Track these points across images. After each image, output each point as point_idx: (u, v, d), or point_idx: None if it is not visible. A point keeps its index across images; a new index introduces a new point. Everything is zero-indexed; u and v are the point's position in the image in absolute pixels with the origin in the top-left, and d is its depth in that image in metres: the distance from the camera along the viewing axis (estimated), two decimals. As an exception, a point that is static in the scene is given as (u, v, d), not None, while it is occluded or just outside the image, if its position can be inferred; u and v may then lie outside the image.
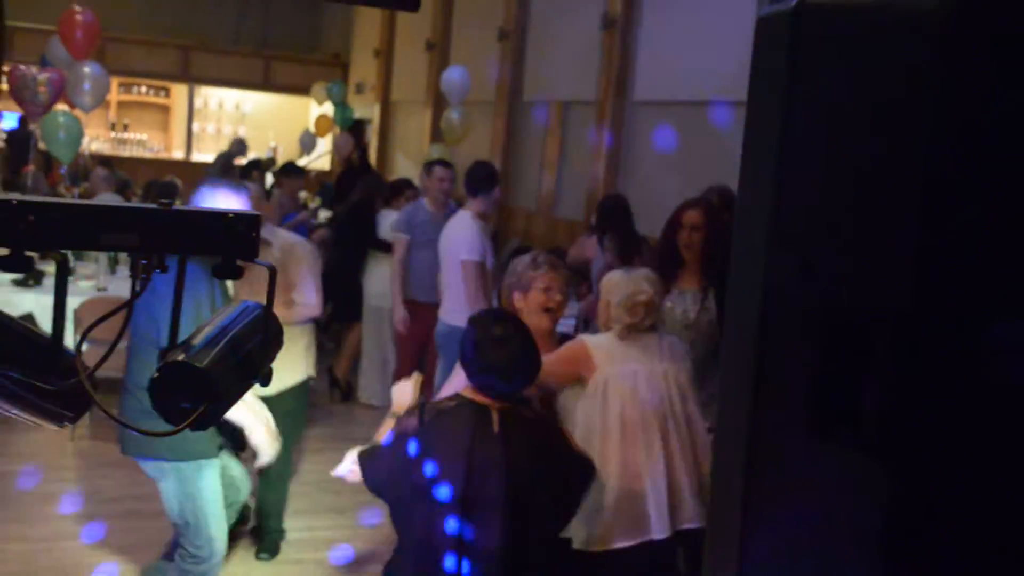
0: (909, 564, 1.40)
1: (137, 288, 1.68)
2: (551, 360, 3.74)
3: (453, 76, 10.55)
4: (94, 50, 9.75)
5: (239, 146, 14.57)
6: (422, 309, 6.96)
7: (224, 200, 3.95)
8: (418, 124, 13.86)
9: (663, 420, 3.60)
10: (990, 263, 1.36)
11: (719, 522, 1.69)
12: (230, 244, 1.66)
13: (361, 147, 13.58)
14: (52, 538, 5.29)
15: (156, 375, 1.66)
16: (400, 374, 6.46)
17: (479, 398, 3.14)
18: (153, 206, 1.64)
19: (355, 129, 14.65)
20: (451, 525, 3.01)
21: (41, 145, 10.35)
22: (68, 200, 1.62)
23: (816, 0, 1.48)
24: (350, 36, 17.79)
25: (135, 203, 1.68)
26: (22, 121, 11.94)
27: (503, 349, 3.11)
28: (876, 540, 1.41)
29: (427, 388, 6.55)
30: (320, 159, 16.05)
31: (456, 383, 3.64)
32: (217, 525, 4.04)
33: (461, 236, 6.32)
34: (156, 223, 1.63)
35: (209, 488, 4.00)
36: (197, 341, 1.73)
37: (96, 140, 16.73)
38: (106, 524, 5.40)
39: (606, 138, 9.48)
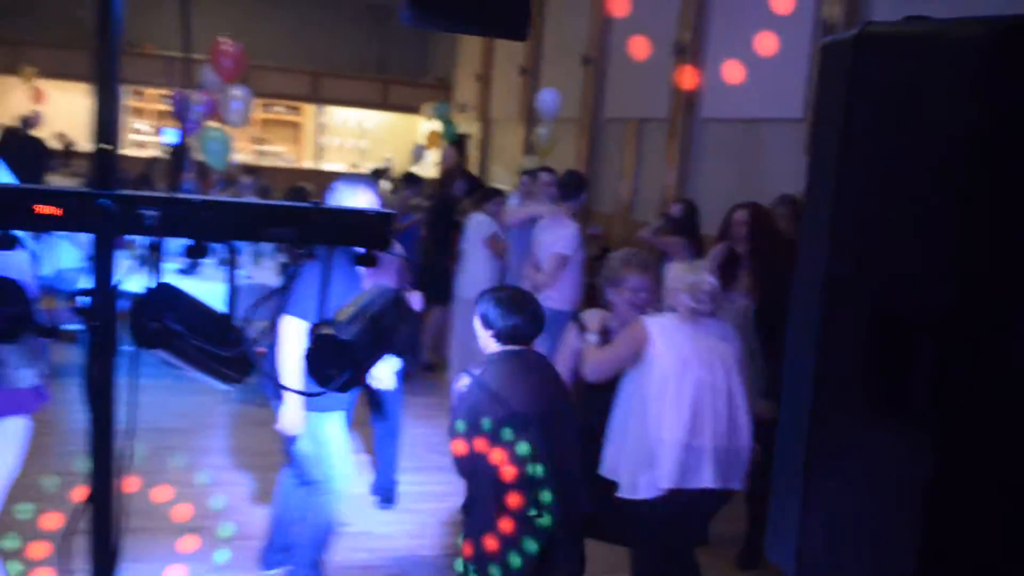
0: (948, 529, 1.39)
1: (291, 273, 1.74)
2: (618, 343, 3.77)
3: (544, 97, 10.57)
4: (240, 75, 9.98)
5: (384, 168, 14.99)
6: None
7: (360, 197, 4.00)
8: (512, 139, 13.90)
9: (703, 390, 3.57)
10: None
11: (782, 487, 1.69)
12: (370, 237, 1.72)
13: (463, 158, 13.67)
14: (208, 484, 5.41)
15: (309, 346, 1.73)
16: None
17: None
18: (308, 204, 1.71)
19: (458, 143, 14.74)
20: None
21: (197, 156, 10.64)
22: (237, 199, 1.69)
23: (874, 30, 1.47)
24: (454, 63, 17.89)
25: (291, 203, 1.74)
26: (182, 136, 12.26)
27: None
28: (919, 507, 1.40)
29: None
30: (428, 168, 16.18)
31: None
32: (339, 462, 4.14)
33: (559, 233, 6.36)
34: (310, 219, 1.70)
35: (334, 432, 4.11)
36: (342, 319, 1.79)
37: (241, 152, 17.12)
38: (253, 474, 5.55)
39: (676, 151, 9.42)
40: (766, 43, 8.08)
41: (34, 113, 14.33)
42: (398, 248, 4.26)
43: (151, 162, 13.11)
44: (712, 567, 4.02)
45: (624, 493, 3.64)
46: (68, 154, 14.88)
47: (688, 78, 9.24)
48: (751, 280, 4.76)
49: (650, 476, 3.59)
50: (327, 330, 1.75)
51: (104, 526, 1.69)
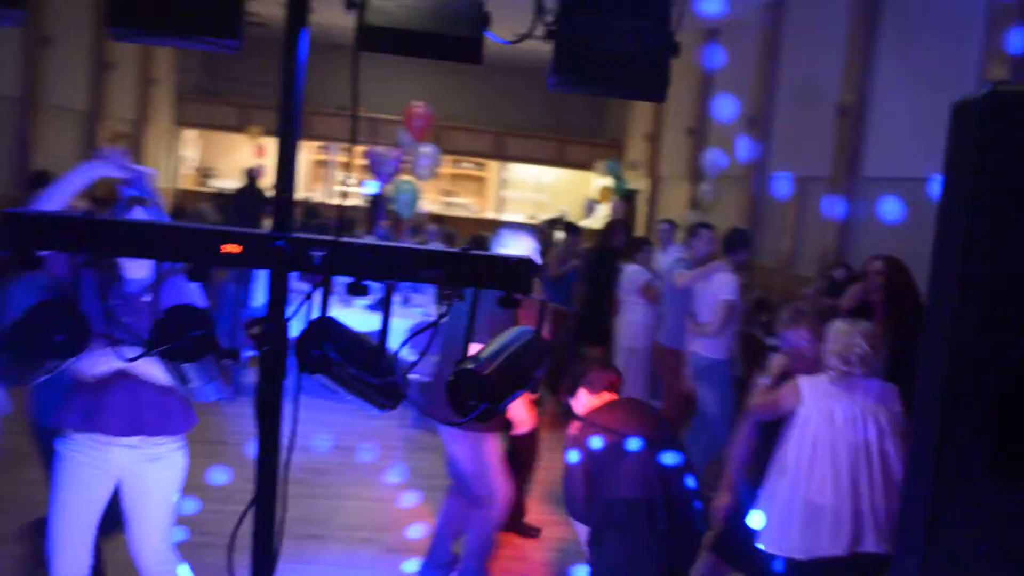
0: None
1: (442, 311, 1.79)
2: (776, 394, 3.67)
3: (711, 156, 10.43)
4: (430, 134, 10.37)
5: (556, 221, 14.88)
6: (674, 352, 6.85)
7: (521, 243, 4.09)
8: (679, 195, 13.77)
9: (855, 453, 3.40)
10: None
11: (906, 547, 1.58)
12: (511, 281, 1.75)
13: (631, 212, 13.65)
14: (381, 499, 5.57)
15: (451, 379, 1.77)
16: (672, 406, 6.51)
17: None
18: (455, 250, 1.76)
19: (628, 198, 14.73)
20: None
21: (391, 206, 11.10)
22: (393, 244, 1.76)
23: (1005, 89, 1.39)
24: (626, 124, 17.95)
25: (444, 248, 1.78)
26: (380, 188, 12.84)
27: None
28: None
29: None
30: (599, 221, 16.23)
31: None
32: (498, 480, 4.20)
33: (723, 280, 6.26)
34: (457, 263, 1.74)
35: (490, 453, 4.19)
36: (484, 355, 1.82)
37: (431, 202, 17.74)
38: (423, 493, 5.68)
39: (838, 208, 9.07)
40: (927, 102, 7.70)
41: (258, 166, 15.38)
42: (539, 294, 4.34)
43: (352, 209, 13.78)
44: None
45: (771, 547, 3.51)
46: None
47: (850, 137, 8.91)
48: (881, 331, 4.53)
49: (800, 537, 3.44)
50: (469, 364, 1.78)
51: (266, 531, 1.78)
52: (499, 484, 4.22)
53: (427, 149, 9.75)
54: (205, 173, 19.06)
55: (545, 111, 19.30)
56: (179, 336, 1.64)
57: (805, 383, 3.59)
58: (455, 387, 1.75)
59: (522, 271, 1.77)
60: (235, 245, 1.66)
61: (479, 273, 1.73)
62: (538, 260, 4.02)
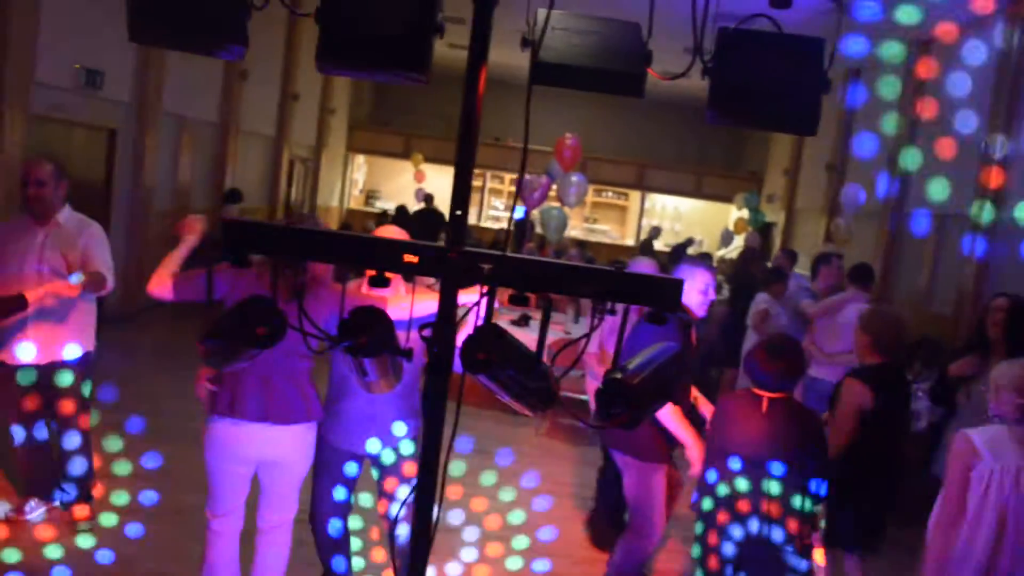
0: None
1: (595, 323, 1.83)
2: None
3: (851, 191, 10.07)
4: (578, 164, 10.46)
5: (655, 232, 16.18)
6: None
7: (698, 276, 3.90)
8: (814, 228, 13.34)
9: (1009, 506, 2.96)
10: None
11: None
12: (658, 299, 1.77)
13: (766, 243, 13.34)
14: (512, 502, 5.61)
15: (601, 387, 1.80)
16: None
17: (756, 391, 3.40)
18: (610, 267, 1.80)
19: (764, 230, 14.39)
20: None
21: (538, 229, 11.25)
22: (552, 260, 1.81)
23: None
24: (766, 158, 17.55)
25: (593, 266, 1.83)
26: (525, 213, 13.08)
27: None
28: None
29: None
30: (734, 251, 15.92)
31: None
32: (659, 515, 4.00)
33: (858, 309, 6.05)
34: (606, 280, 1.78)
35: (657, 487, 3.98)
36: (631, 366, 1.85)
37: (575, 228, 17.85)
38: (552, 498, 5.70)
39: (978, 247, 8.57)
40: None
41: (420, 190, 15.97)
42: (685, 314, 4.27)
43: (502, 232, 14.08)
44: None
45: None
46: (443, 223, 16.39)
47: (994, 177, 8.42)
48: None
49: None
50: (618, 375, 1.81)
51: (425, 518, 1.85)
52: (658, 520, 4.01)
53: (575, 178, 9.84)
54: (370, 195, 19.87)
55: (686, 144, 19.12)
56: (362, 334, 1.74)
57: (978, 438, 3.09)
58: (603, 394, 1.78)
59: (670, 291, 1.79)
60: (414, 256, 1.76)
61: (632, 290, 1.76)
62: (712, 293, 3.85)
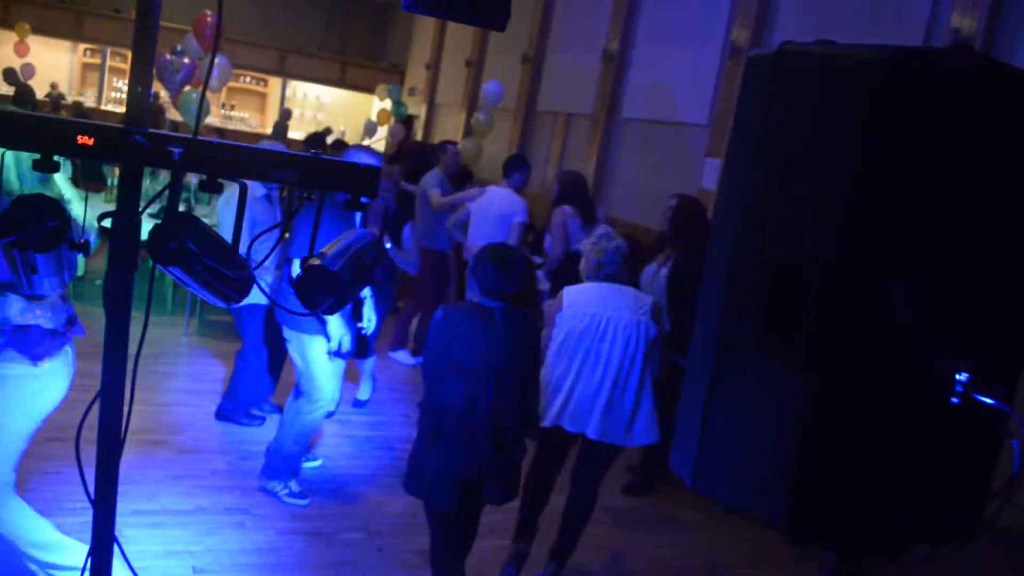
0: (816, 455, 1.53)
1: (292, 213, 1.79)
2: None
3: (489, 87, 10.55)
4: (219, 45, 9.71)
5: (286, 114, 16.22)
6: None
7: (358, 159, 4.06)
8: (454, 122, 13.86)
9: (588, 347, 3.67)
10: (893, 232, 1.47)
11: (687, 409, 1.79)
12: (358, 185, 1.78)
13: (410, 136, 13.59)
14: (168, 404, 5.39)
15: (300, 274, 1.79)
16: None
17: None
18: (308, 154, 1.76)
19: (407, 122, 14.61)
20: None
21: (175, 116, 10.36)
22: (253, 146, 1.72)
23: (791, 48, 1.58)
24: (408, 51, 17.69)
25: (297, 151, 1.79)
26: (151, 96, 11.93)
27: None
28: (796, 434, 1.53)
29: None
30: (378, 142, 16.03)
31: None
32: (323, 377, 4.26)
33: (513, 205, 6.47)
34: (309, 166, 1.75)
35: (318, 352, 4.23)
36: (329, 253, 1.85)
37: (212, 116, 16.70)
38: (209, 396, 5.54)
39: (596, 145, 9.54)
40: (681, 57, 8.24)
41: (24, 66, 13.80)
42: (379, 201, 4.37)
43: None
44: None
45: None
46: (56, 105, 14.30)
47: (612, 81, 9.35)
48: (669, 252, 4.92)
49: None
50: (317, 261, 1.81)
51: (114, 425, 1.73)
52: (324, 385, 4.29)
53: (220, 60, 9.14)
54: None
55: (330, 32, 18.62)
56: (31, 226, 1.54)
57: (565, 291, 3.82)
58: (304, 282, 1.77)
59: (368, 177, 1.80)
60: (89, 137, 1.57)
61: (330, 176, 1.75)
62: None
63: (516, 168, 6.73)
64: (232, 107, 18.51)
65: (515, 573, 3.80)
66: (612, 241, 3.82)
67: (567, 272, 5.46)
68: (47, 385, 2.90)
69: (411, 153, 10.33)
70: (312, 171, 1.72)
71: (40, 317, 2.81)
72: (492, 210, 6.46)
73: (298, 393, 4.34)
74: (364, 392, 5.85)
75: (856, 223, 1.49)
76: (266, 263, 3.77)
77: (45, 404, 2.94)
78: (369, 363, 5.73)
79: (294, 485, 4.34)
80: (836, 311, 1.50)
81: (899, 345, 1.51)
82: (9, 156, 2.07)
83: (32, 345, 2.82)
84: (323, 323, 4.18)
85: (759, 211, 1.62)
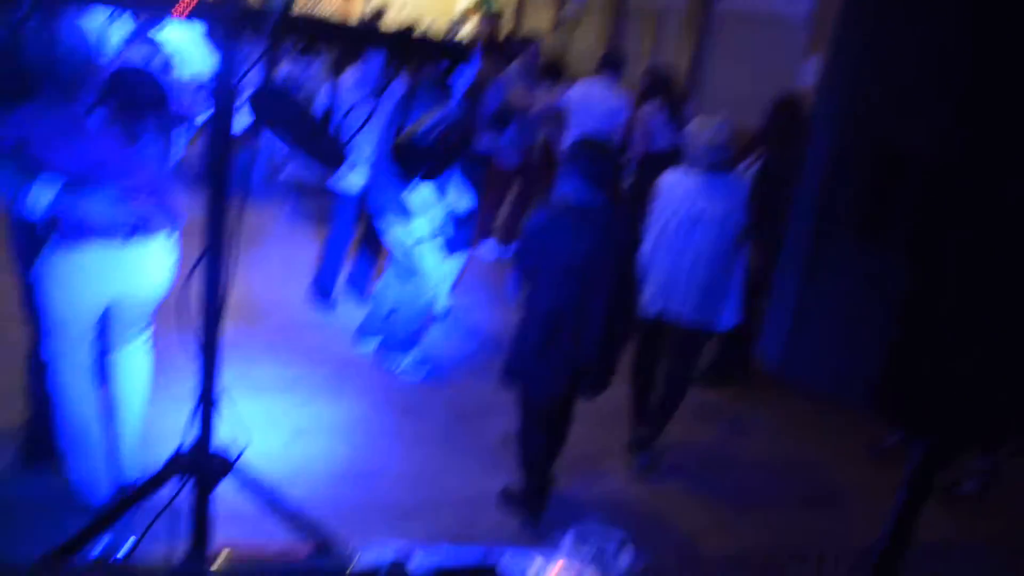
0: (913, 342, 1.49)
1: (382, 87, 1.80)
2: None
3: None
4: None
5: (379, 13, 15.23)
6: None
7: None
8: (543, 18, 13.52)
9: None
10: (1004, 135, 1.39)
11: (780, 295, 1.75)
12: (453, 55, 1.77)
13: (496, 30, 13.32)
14: (263, 282, 5.53)
15: (396, 146, 1.81)
16: None
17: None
18: (401, 30, 1.75)
19: (493, 18, 14.28)
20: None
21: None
22: (338, 21, 1.72)
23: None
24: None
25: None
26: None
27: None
28: (893, 321, 1.49)
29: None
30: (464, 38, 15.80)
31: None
32: (422, 261, 4.37)
33: (619, 100, 6.39)
34: (402, 39, 1.74)
35: (411, 238, 4.31)
36: (419, 129, 1.86)
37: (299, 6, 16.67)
38: (301, 277, 5.68)
39: (691, 41, 9.21)
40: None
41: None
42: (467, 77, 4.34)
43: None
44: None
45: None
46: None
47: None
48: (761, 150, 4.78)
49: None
50: (408, 138, 1.82)
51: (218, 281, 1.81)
52: (423, 267, 4.40)
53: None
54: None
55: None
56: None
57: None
58: (398, 154, 1.79)
59: (461, 49, 1.79)
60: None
61: (425, 49, 1.74)
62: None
63: (614, 65, 6.55)
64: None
65: (647, 456, 4.01)
66: (719, 132, 3.82)
67: (647, 170, 5.37)
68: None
69: (497, 49, 10.15)
70: (404, 44, 1.71)
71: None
72: (595, 104, 6.31)
73: (402, 279, 4.48)
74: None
75: (971, 112, 1.41)
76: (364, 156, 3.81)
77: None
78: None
79: (411, 357, 4.59)
80: (942, 201, 1.44)
81: (1002, 239, 1.44)
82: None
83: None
84: (409, 213, 4.23)
85: (865, 96, 1.54)
